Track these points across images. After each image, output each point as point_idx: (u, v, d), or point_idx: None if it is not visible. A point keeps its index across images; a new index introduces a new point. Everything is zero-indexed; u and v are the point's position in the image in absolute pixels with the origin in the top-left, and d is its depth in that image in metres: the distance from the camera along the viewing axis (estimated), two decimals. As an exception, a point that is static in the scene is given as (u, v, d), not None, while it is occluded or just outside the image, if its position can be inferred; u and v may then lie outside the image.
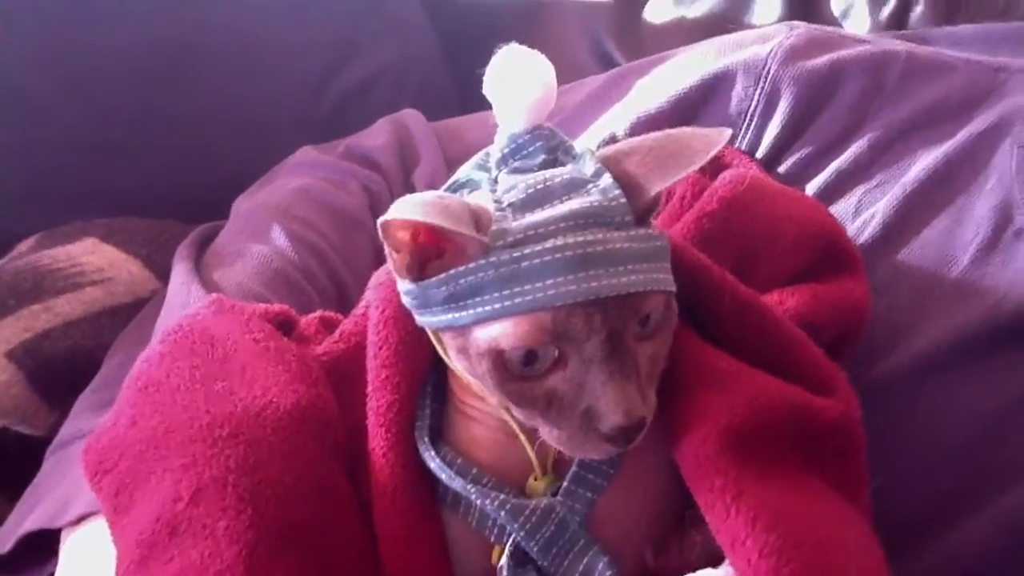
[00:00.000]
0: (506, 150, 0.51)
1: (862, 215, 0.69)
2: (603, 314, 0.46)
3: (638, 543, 0.53)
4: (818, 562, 0.44)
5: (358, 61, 1.21)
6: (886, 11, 0.95)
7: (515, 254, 0.46)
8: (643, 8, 1.13)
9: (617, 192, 0.47)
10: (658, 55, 0.84)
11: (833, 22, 0.98)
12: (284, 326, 0.59)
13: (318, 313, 0.62)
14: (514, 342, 0.46)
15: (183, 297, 0.71)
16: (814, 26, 0.78)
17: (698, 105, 0.75)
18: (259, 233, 0.78)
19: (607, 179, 0.48)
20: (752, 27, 0.87)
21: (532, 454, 0.52)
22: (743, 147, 0.74)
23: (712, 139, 0.48)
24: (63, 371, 0.80)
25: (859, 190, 0.70)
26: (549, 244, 0.46)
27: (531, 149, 0.51)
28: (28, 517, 0.63)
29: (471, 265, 0.47)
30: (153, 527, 0.48)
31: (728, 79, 0.75)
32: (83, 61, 1.02)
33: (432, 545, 0.52)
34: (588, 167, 0.49)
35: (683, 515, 0.53)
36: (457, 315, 0.48)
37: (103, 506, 0.52)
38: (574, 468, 0.52)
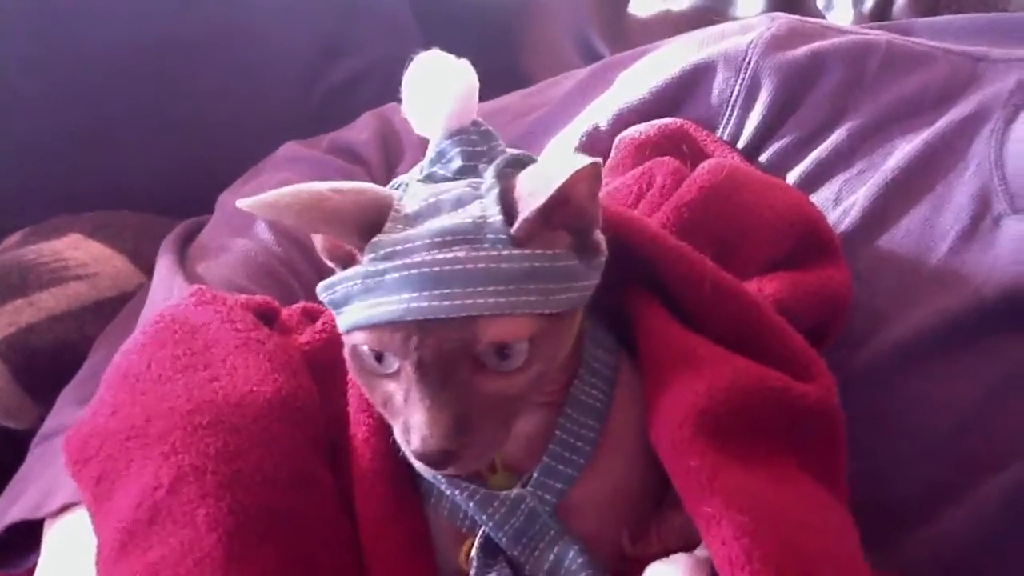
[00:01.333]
0: (431, 156, 0.51)
1: (842, 203, 0.69)
2: (421, 336, 0.44)
3: (614, 530, 0.52)
4: (791, 544, 0.44)
5: (346, 59, 1.21)
6: (869, 3, 0.95)
7: (382, 267, 0.46)
8: (628, 2, 1.13)
9: (494, 210, 0.46)
10: (642, 48, 0.84)
11: (817, 15, 0.99)
12: (266, 316, 0.59)
13: (300, 304, 0.62)
14: (361, 341, 0.47)
15: (166, 290, 0.72)
16: (795, 17, 0.78)
17: (680, 96, 0.76)
18: (243, 227, 0.79)
19: (492, 196, 0.47)
20: (736, 20, 0.87)
21: None
22: (724, 137, 0.75)
23: (580, 163, 0.45)
24: (47, 365, 0.80)
25: (839, 179, 0.70)
26: (409, 260, 0.45)
27: (450, 156, 0.50)
28: (11, 508, 0.63)
29: (343, 274, 0.47)
30: (133, 515, 0.48)
31: (709, 70, 0.75)
32: (75, 59, 1.03)
33: (412, 532, 0.52)
34: (488, 181, 0.48)
35: (661, 501, 0.53)
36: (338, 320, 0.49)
37: (83, 495, 0.52)
38: (545, 459, 0.51)
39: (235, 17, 1.13)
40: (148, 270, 0.87)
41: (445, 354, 0.45)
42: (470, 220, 0.46)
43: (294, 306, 0.62)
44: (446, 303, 0.44)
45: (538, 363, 0.47)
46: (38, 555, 0.61)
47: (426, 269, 0.45)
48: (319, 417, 0.54)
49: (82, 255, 0.87)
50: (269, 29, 1.16)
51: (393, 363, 0.46)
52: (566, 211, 0.47)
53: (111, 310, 0.83)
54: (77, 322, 0.82)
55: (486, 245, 0.45)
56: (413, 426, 0.45)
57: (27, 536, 0.63)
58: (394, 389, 0.47)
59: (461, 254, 0.45)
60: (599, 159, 0.45)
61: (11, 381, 0.79)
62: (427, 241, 0.45)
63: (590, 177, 0.45)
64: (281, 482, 0.49)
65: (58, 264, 0.85)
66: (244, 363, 0.53)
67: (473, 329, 0.45)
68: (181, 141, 1.09)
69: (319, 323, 0.58)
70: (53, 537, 0.60)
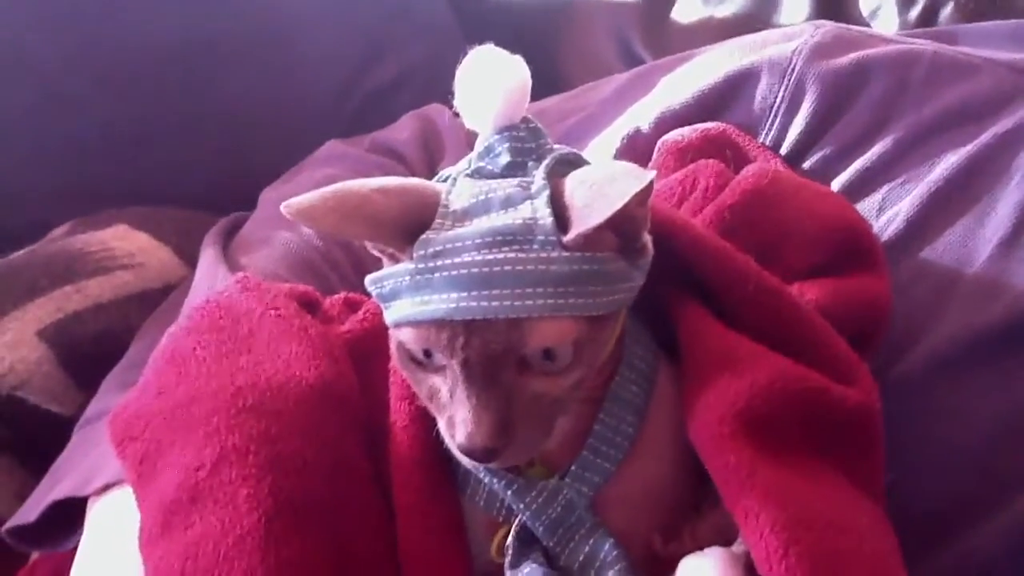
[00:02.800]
0: (480, 150, 0.51)
1: (886, 213, 0.69)
2: (468, 336, 0.45)
3: (647, 529, 0.53)
4: (828, 540, 0.44)
5: (386, 62, 1.23)
6: (914, 11, 0.94)
7: (431, 265, 0.46)
8: (671, 8, 1.13)
9: (545, 212, 0.46)
10: (685, 53, 0.84)
11: (861, 22, 0.98)
12: (309, 305, 0.60)
13: (342, 294, 0.63)
14: (408, 337, 0.48)
15: (210, 280, 0.73)
16: (840, 25, 0.78)
17: (723, 101, 0.76)
18: (286, 221, 0.79)
19: (542, 198, 0.47)
20: (780, 27, 0.87)
21: None
22: (767, 144, 0.74)
23: (638, 181, 0.45)
24: (92, 352, 0.81)
25: (883, 188, 0.70)
26: (458, 259, 0.46)
27: (498, 151, 0.51)
28: (54, 488, 0.64)
29: (392, 269, 0.48)
30: (175, 494, 0.49)
31: (753, 76, 0.75)
32: (118, 59, 1.05)
33: (448, 520, 0.52)
34: (538, 182, 0.48)
35: (695, 503, 0.53)
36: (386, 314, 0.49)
37: (128, 473, 0.53)
38: (583, 452, 0.52)
39: (276, 19, 1.16)
40: (191, 263, 0.88)
41: (491, 354, 0.45)
42: (520, 221, 0.46)
43: (336, 296, 0.63)
44: (495, 304, 0.45)
45: (582, 364, 0.47)
46: (80, 536, 0.62)
47: (475, 270, 0.45)
48: (359, 404, 0.54)
49: (128, 246, 0.89)
50: (310, 31, 1.18)
51: (440, 359, 0.47)
52: (619, 218, 0.47)
53: (155, 301, 0.85)
54: (122, 311, 0.84)
55: (535, 247, 0.46)
56: (458, 422, 0.46)
57: (69, 517, 0.64)
58: (440, 384, 0.48)
59: (510, 255, 0.45)
60: (654, 172, 0.46)
61: (57, 366, 0.81)
62: (476, 241, 0.46)
63: (648, 192, 0.46)
64: (321, 466, 0.50)
65: (105, 254, 0.87)
66: (287, 349, 0.54)
67: (520, 331, 0.45)
68: (222, 140, 1.11)
69: (360, 312, 0.59)
70: (96, 515, 0.61)
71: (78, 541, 0.62)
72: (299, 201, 0.47)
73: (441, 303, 0.45)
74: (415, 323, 0.47)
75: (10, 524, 0.66)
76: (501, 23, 1.26)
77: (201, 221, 0.93)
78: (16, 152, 1.02)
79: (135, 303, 0.85)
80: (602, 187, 0.46)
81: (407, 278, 0.47)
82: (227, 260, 0.76)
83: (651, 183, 0.45)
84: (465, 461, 0.48)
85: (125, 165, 1.07)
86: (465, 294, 0.45)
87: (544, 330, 0.46)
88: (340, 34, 1.19)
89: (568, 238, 0.46)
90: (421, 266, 0.46)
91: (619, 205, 0.44)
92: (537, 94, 0.86)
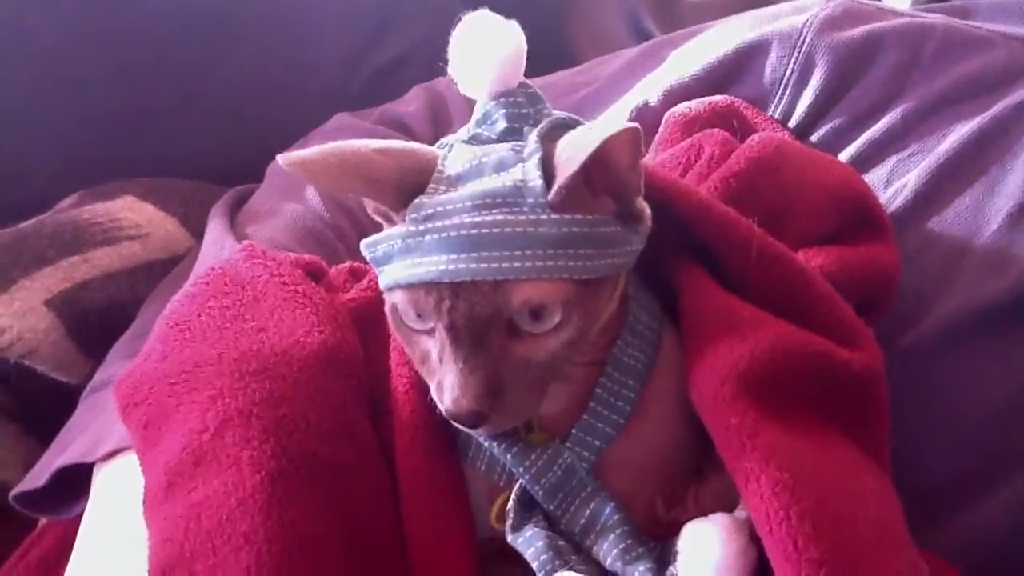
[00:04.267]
0: (477, 117, 0.51)
1: (894, 184, 0.69)
2: (454, 298, 0.45)
3: (649, 493, 0.52)
4: (830, 502, 0.44)
5: (392, 38, 1.22)
6: (928, -12, 0.93)
7: (422, 228, 0.46)
8: (682, -16, 1.13)
9: (535, 175, 0.46)
10: (694, 27, 0.84)
11: (874, -2, 0.97)
12: (314, 274, 0.61)
13: (347, 264, 0.63)
14: (398, 300, 0.48)
15: (217, 250, 0.73)
16: None
17: (732, 74, 0.75)
18: (292, 192, 0.80)
19: (533, 160, 0.47)
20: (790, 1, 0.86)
21: None
22: (776, 116, 0.74)
23: (613, 128, 0.44)
24: (99, 321, 0.82)
25: (892, 160, 0.70)
26: (448, 222, 0.46)
27: (494, 117, 0.50)
28: (61, 455, 0.65)
29: (386, 232, 0.48)
30: (179, 456, 0.49)
31: (763, 48, 0.75)
32: (123, 35, 1.05)
33: (450, 484, 0.52)
34: (530, 145, 0.48)
35: (697, 471, 0.53)
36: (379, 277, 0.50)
37: (132, 438, 0.53)
38: (584, 416, 0.52)
39: (281, -2, 1.15)
40: (197, 234, 0.89)
41: (477, 317, 0.45)
42: (510, 183, 0.46)
43: (341, 266, 0.63)
44: (483, 266, 0.45)
45: (571, 327, 0.47)
46: (85, 503, 0.63)
47: (464, 232, 0.45)
48: (362, 370, 0.54)
49: (136, 216, 0.89)
50: (315, 11, 1.17)
51: (430, 323, 0.47)
52: (607, 177, 0.47)
53: (162, 271, 0.85)
54: (129, 281, 0.84)
55: (525, 209, 0.46)
56: (446, 386, 0.47)
57: (76, 483, 0.64)
58: (431, 347, 0.48)
59: (499, 217, 0.45)
60: (637, 124, 0.45)
61: (64, 335, 0.81)
62: (467, 204, 0.46)
63: (629, 142, 0.45)
64: (324, 430, 0.50)
65: (112, 224, 0.87)
66: (291, 316, 0.54)
67: (505, 293, 0.45)
68: (228, 116, 1.11)
69: (364, 281, 0.59)
70: (102, 481, 0.61)
71: (83, 507, 0.62)
72: (297, 154, 0.47)
73: (431, 265, 0.46)
74: (405, 286, 0.47)
75: (17, 490, 0.66)
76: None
77: (208, 192, 0.93)
78: (21, 129, 1.02)
79: (142, 273, 0.86)
80: (582, 141, 0.45)
81: (399, 241, 0.47)
82: (234, 231, 0.76)
83: (633, 129, 0.45)
84: (457, 425, 0.48)
85: (130, 141, 1.07)
86: (454, 256, 0.45)
87: (530, 291, 0.46)
88: (347, 10, 1.18)
89: (552, 193, 0.45)
90: (412, 228, 0.47)
91: (590, 150, 0.43)
92: (547, 69, 0.87)
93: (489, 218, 0.45)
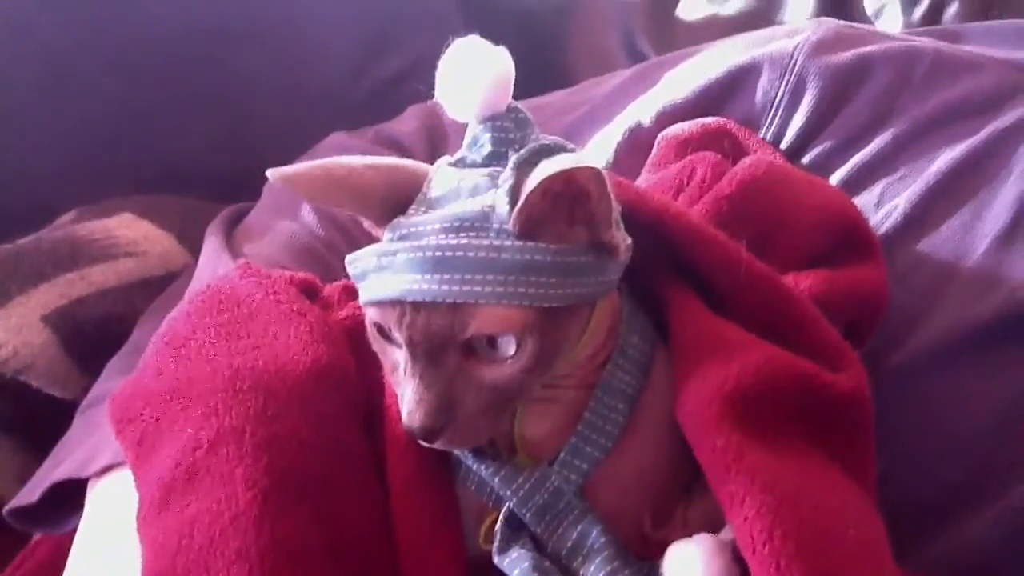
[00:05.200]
0: (467, 140, 0.51)
1: (884, 207, 0.69)
2: (413, 316, 0.46)
3: (636, 512, 0.53)
4: (813, 524, 0.44)
5: (391, 55, 1.23)
6: (919, 11, 0.95)
7: (395, 247, 0.47)
8: (676, 5, 1.14)
9: (503, 201, 0.46)
10: (687, 49, 0.85)
11: (865, 21, 0.99)
12: (309, 292, 0.61)
13: (342, 282, 0.64)
14: (371, 315, 0.49)
15: (213, 267, 0.74)
16: (842, 22, 0.78)
17: (724, 96, 0.76)
18: (288, 211, 0.81)
19: (505, 187, 0.47)
20: (783, 24, 0.87)
21: (515, 430, 0.53)
22: (768, 138, 0.75)
23: (571, 163, 0.45)
24: (95, 337, 0.82)
25: (882, 182, 0.70)
26: (419, 242, 0.47)
27: (481, 141, 0.50)
28: (55, 470, 0.65)
29: (365, 250, 0.49)
30: (172, 472, 0.50)
31: (755, 71, 0.75)
32: (126, 44, 1.06)
33: (441, 502, 0.53)
34: (506, 171, 0.48)
35: (686, 486, 0.54)
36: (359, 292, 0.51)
37: (127, 454, 0.54)
38: (573, 439, 0.52)
39: (284, 8, 1.16)
40: (194, 251, 0.89)
41: (432, 336, 0.46)
42: (478, 209, 0.47)
43: (335, 284, 0.64)
44: (444, 287, 0.46)
45: (529, 355, 0.47)
46: (79, 518, 0.63)
47: (430, 253, 0.46)
48: (356, 387, 0.55)
49: (132, 234, 0.89)
50: (317, 23, 1.18)
51: (398, 337, 0.48)
52: (574, 208, 0.47)
53: (158, 287, 0.86)
54: (125, 297, 0.85)
55: (491, 235, 0.46)
56: (404, 399, 0.48)
57: (70, 499, 0.64)
58: (400, 359, 0.49)
59: (463, 241, 0.46)
60: (599, 165, 0.45)
61: (60, 351, 0.81)
62: (438, 226, 0.47)
63: (590, 177, 0.45)
64: (317, 446, 0.51)
65: (109, 241, 0.87)
66: (285, 333, 0.55)
67: (462, 315, 0.46)
68: (227, 128, 1.12)
69: (359, 299, 0.60)
70: (96, 496, 0.61)
71: (78, 522, 0.62)
72: (285, 169, 0.48)
73: (397, 284, 0.47)
74: (376, 302, 0.48)
75: (11, 505, 0.66)
76: (506, 17, 1.26)
77: (204, 210, 0.93)
78: (23, 135, 1.02)
79: (138, 290, 0.86)
80: (542, 171, 0.45)
81: (375, 259, 0.48)
82: (230, 248, 0.76)
83: (592, 169, 0.45)
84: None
85: (131, 150, 1.07)
86: (418, 276, 0.46)
87: (486, 316, 0.46)
88: (347, 24, 1.19)
89: (511, 221, 0.46)
90: (387, 248, 0.48)
91: (534, 184, 0.44)
92: (543, 88, 0.88)
93: (455, 241, 0.46)
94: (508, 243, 0.46)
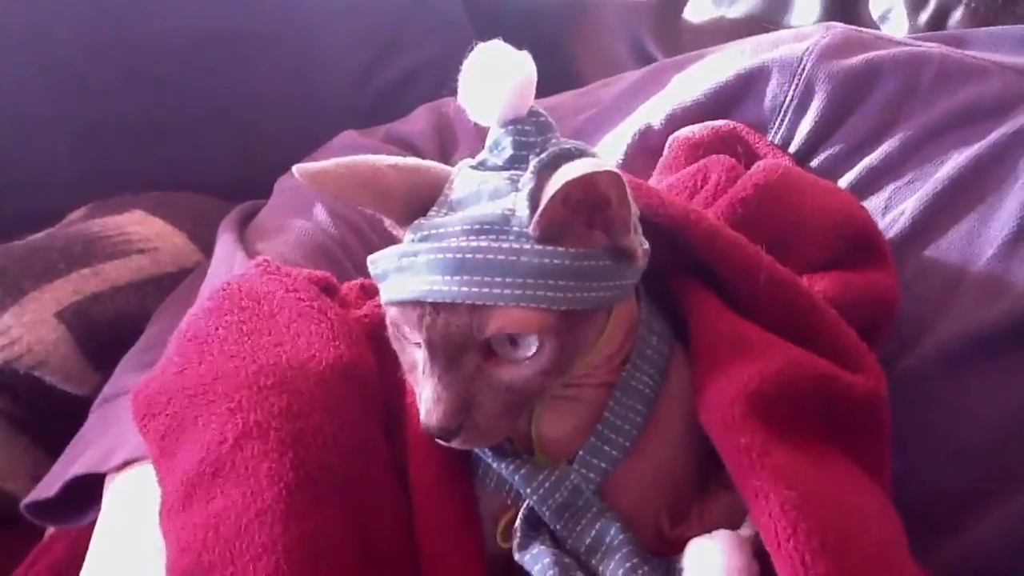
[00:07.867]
0: (489, 143, 0.52)
1: (892, 211, 0.70)
2: (433, 317, 0.47)
3: (654, 510, 0.53)
4: (836, 521, 0.45)
5: (399, 58, 1.24)
6: (925, 15, 0.95)
7: (416, 248, 0.48)
8: (683, 8, 1.14)
9: (524, 204, 0.47)
10: (696, 52, 0.85)
11: (871, 25, 0.99)
12: (327, 290, 0.62)
13: (359, 280, 0.64)
14: (392, 315, 0.50)
15: (227, 265, 0.74)
16: (851, 27, 0.79)
17: (733, 99, 0.77)
18: (301, 209, 0.81)
19: (526, 190, 0.47)
20: (791, 28, 0.88)
21: (532, 429, 0.53)
22: (776, 142, 0.76)
23: (590, 167, 0.45)
24: (108, 334, 0.83)
25: (889, 187, 0.71)
26: (440, 244, 0.47)
27: (503, 145, 0.51)
28: (72, 466, 0.65)
29: (387, 250, 0.50)
30: (198, 468, 0.50)
31: (764, 75, 0.76)
32: (140, 51, 1.08)
33: (462, 501, 0.53)
34: (526, 175, 0.48)
35: (703, 485, 0.54)
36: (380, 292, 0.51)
37: (150, 448, 0.54)
38: (592, 439, 0.53)
39: (293, 13, 1.17)
40: (205, 249, 0.90)
41: (451, 336, 0.47)
42: (499, 212, 0.48)
43: (352, 282, 0.64)
44: (463, 289, 0.46)
45: (547, 357, 0.48)
46: (94, 513, 0.63)
47: (451, 255, 0.47)
48: (377, 385, 0.56)
49: (145, 231, 0.90)
50: (326, 26, 1.19)
51: (416, 336, 0.49)
52: (594, 212, 0.48)
53: (170, 284, 0.86)
54: (138, 294, 0.86)
55: (510, 238, 0.47)
56: (422, 399, 0.48)
57: (86, 495, 0.65)
58: (419, 358, 0.50)
59: (484, 243, 0.47)
60: (614, 166, 0.46)
61: (74, 347, 0.82)
62: (459, 228, 0.47)
63: (610, 183, 0.46)
64: (340, 444, 0.51)
65: (122, 238, 0.88)
66: (307, 330, 0.55)
67: (480, 317, 0.47)
68: (239, 132, 1.13)
69: (377, 298, 0.60)
70: (114, 491, 0.62)
71: (93, 518, 0.63)
72: (311, 165, 0.49)
73: (418, 284, 0.47)
74: (396, 303, 0.49)
75: (29, 499, 0.67)
76: (514, 20, 1.27)
77: (216, 207, 0.94)
78: (40, 142, 1.04)
79: (151, 287, 0.87)
80: (563, 175, 0.46)
81: (396, 259, 0.49)
82: (243, 246, 0.77)
83: (611, 173, 0.45)
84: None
85: (144, 155, 1.09)
86: (439, 277, 0.47)
87: (505, 318, 0.47)
88: (357, 28, 1.20)
89: (531, 225, 0.47)
90: (408, 248, 0.48)
91: (555, 188, 0.44)
92: (551, 91, 0.88)
93: (475, 243, 0.47)
94: (527, 247, 0.47)
